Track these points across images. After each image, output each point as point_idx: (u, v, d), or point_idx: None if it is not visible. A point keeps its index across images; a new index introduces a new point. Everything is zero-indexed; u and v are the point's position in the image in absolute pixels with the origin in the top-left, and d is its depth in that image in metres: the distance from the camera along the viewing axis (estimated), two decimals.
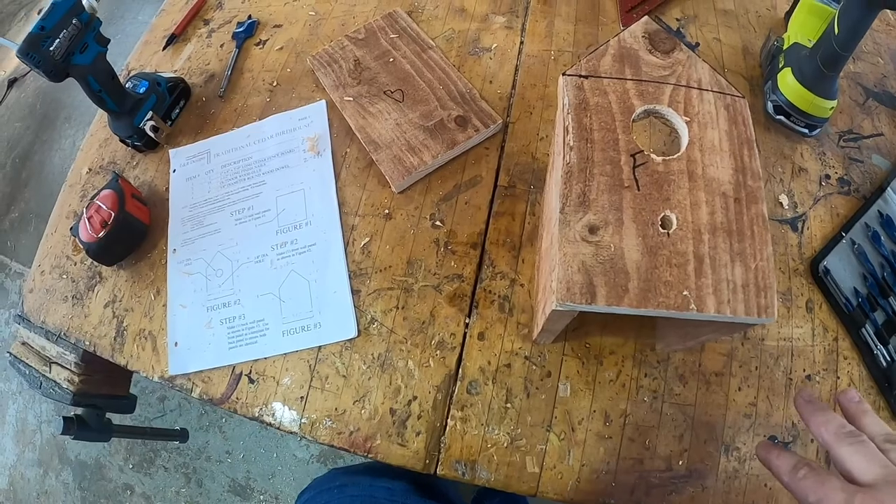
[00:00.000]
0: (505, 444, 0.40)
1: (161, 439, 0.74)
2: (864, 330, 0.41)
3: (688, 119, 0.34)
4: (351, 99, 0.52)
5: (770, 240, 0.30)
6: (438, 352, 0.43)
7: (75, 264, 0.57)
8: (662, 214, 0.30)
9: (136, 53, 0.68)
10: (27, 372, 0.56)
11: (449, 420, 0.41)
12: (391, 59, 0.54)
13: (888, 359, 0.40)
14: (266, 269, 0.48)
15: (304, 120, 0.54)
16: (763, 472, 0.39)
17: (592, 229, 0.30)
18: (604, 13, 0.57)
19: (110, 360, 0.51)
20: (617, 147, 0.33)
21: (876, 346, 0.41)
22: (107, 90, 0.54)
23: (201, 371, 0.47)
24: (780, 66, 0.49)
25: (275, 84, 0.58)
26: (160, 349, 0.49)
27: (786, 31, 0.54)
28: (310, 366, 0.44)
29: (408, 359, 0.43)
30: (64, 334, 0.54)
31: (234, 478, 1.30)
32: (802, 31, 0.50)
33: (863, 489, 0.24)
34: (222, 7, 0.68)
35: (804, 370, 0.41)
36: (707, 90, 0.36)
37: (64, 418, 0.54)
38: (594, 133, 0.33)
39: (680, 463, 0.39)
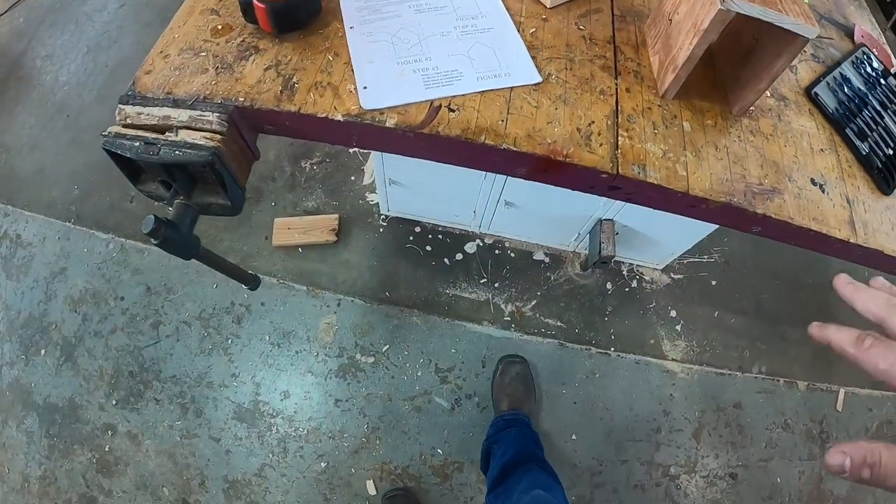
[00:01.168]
0: (660, 155, 0.51)
1: (236, 277, 0.63)
2: (848, 130, 0.64)
3: None
4: None
5: None
6: (602, 96, 0.53)
7: (218, 44, 0.55)
8: None
9: None
10: (133, 145, 0.49)
11: (619, 138, 0.50)
12: None
13: (866, 151, 0.62)
14: (452, 40, 0.55)
15: None
16: (816, 194, 0.55)
17: None
18: None
19: (275, 108, 0.49)
20: None
21: (858, 141, 0.63)
22: None
23: (395, 106, 0.49)
24: None
25: None
26: (343, 94, 0.50)
27: None
28: (506, 99, 0.51)
29: (581, 98, 0.52)
30: (205, 97, 0.50)
31: (239, 403, 1.10)
32: None
33: None
34: None
35: (818, 145, 0.61)
36: None
37: (155, 217, 0.47)
38: None
39: (766, 181, 0.54)
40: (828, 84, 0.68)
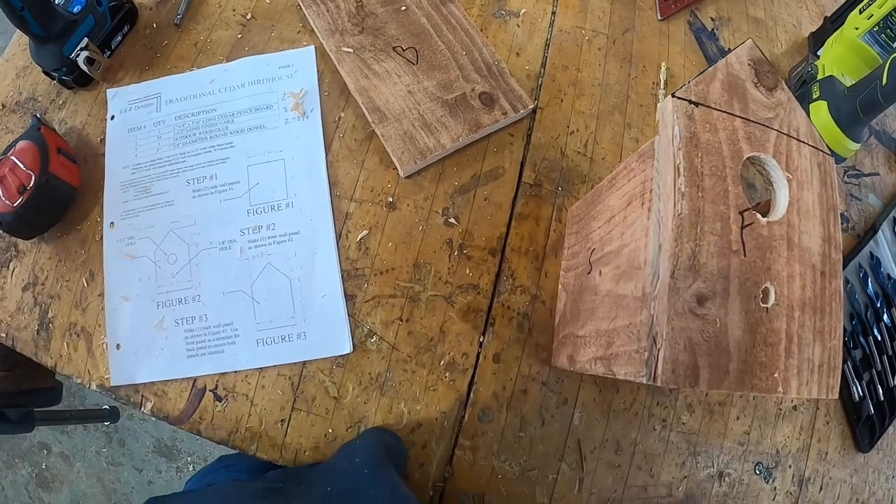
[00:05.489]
0: (515, 476, 0.27)
1: (89, 421, 0.52)
2: (845, 365, 0.32)
3: (789, 176, 0.21)
4: (351, 50, 0.30)
5: (842, 316, 0.20)
6: (448, 374, 0.27)
7: None
8: (764, 286, 0.19)
9: None
10: None
11: (457, 450, 0.26)
12: (403, 7, 0.32)
13: (860, 394, 0.31)
14: (234, 258, 0.28)
15: (286, 69, 0.31)
16: (755, 486, 0.30)
17: (701, 300, 0.18)
18: None
19: (34, 358, 0.30)
20: (727, 200, 0.20)
21: (853, 380, 0.31)
22: (30, 7, 0.28)
23: (153, 382, 0.28)
24: (815, 96, 0.34)
25: (248, 17, 0.33)
26: (97, 351, 0.29)
27: (811, 53, 0.39)
28: (292, 384, 0.27)
29: (412, 381, 0.26)
30: None
31: (159, 438, 0.92)
32: (839, 64, 0.35)
33: None
34: None
35: (792, 402, 0.31)
36: (805, 143, 0.22)
37: None
38: (705, 179, 0.20)
39: (679, 489, 0.28)
40: (845, 282, 0.33)
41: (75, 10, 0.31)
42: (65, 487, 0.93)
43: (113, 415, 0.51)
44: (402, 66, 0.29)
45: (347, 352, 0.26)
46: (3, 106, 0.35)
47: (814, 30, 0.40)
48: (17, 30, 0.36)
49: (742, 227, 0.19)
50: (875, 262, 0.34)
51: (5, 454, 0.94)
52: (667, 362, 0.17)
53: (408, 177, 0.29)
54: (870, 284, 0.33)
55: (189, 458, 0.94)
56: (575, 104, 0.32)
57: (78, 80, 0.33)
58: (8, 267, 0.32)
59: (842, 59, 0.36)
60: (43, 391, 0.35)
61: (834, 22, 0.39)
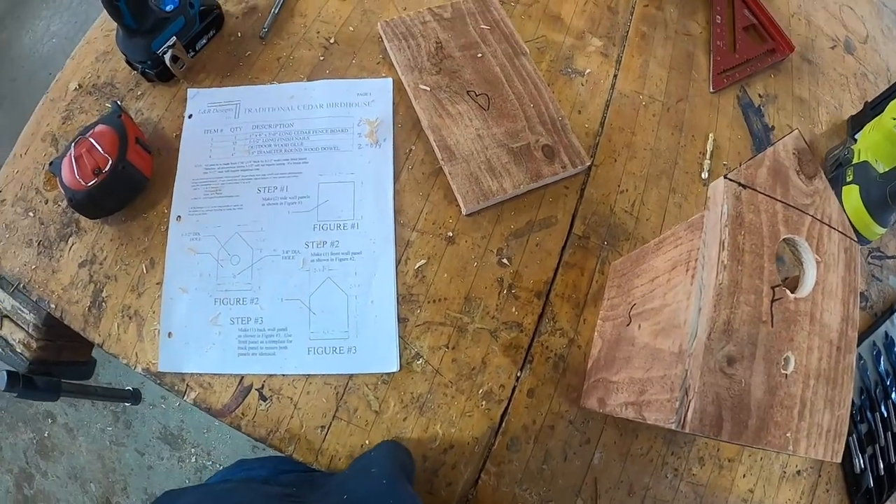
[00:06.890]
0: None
1: (111, 400, 0.53)
2: (850, 437, 0.35)
3: (818, 259, 0.25)
4: (427, 88, 0.33)
5: (852, 389, 0.24)
6: (484, 402, 0.30)
7: (47, 203, 0.35)
8: (786, 355, 0.22)
9: None
10: None
11: (483, 475, 0.29)
12: (479, 55, 0.35)
13: (862, 466, 0.35)
14: (296, 268, 0.31)
15: (365, 96, 0.34)
16: None
17: (730, 361, 0.22)
18: (696, 68, 0.41)
19: (81, 333, 0.32)
20: (762, 275, 0.23)
21: (856, 453, 0.35)
22: (127, 1, 0.31)
23: (200, 374, 0.30)
24: (848, 179, 0.38)
25: (332, 41, 0.37)
26: (147, 336, 0.31)
27: (849, 136, 0.43)
28: (337, 393, 0.29)
29: (451, 405, 0.29)
30: (24, 287, 0.34)
31: (166, 425, 0.93)
32: (874, 151, 0.39)
33: None
34: None
35: (796, 466, 0.34)
36: (835, 229, 0.26)
37: (8, 373, 0.34)
38: (745, 255, 0.24)
39: None
40: (858, 358, 0.37)
41: (168, 8, 0.34)
42: (64, 458, 0.93)
43: (135, 396, 0.53)
44: (474, 111, 0.33)
45: (394, 370, 0.29)
46: (80, 86, 0.38)
47: (854, 113, 0.44)
48: (101, 16, 0.39)
49: (772, 301, 0.22)
50: (889, 342, 0.37)
51: (9, 416, 0.94)
52: (696, 412, 0.20)
53: (468, 215, 0.32)
54: (882, 363, 0.37)
55: (193, 450, 0.94)
56: (627, 165, 0.36)
57: (160, 75, 0.35)
58: (67, 241, 0.34)
59: (877, 147, 0.40)
60: (77, 365, 0.37)
61: (874, 108, 0.44)
